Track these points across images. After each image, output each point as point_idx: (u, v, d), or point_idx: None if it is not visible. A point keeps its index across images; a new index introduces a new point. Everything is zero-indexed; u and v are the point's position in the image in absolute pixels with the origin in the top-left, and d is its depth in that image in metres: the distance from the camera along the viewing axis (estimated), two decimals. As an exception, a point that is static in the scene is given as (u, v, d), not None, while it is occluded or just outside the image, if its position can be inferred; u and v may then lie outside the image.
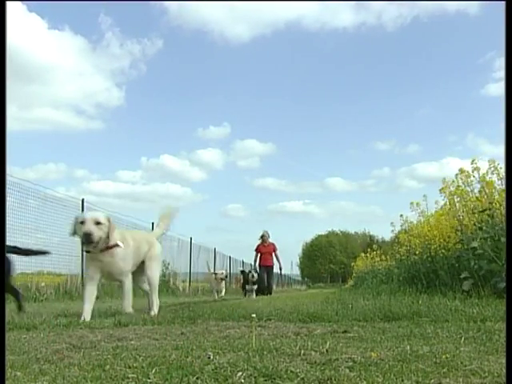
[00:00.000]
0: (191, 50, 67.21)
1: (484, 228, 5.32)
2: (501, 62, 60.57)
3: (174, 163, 79.43)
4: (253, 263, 12.89)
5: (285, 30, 65.45)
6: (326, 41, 67.25)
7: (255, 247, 12.61)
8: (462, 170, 5.92)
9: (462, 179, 5.93)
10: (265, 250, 12.39)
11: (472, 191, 5.88)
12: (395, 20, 73.21)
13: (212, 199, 72.74)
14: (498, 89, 62.12)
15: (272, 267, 12.43)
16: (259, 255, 12.46)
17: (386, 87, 77.73)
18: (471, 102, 71.05)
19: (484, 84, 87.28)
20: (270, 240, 12.69)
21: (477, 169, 5.63)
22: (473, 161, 5.66)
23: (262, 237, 12.50)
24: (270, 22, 78.45)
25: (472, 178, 5.81)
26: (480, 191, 5.70)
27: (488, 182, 5.47)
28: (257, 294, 10.97)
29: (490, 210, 5.33)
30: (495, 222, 5.23)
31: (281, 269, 12.89)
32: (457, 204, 6.26)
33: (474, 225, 5.67)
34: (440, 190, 6.32)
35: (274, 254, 12.47)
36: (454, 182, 6.11)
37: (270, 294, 12.00)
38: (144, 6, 62.36)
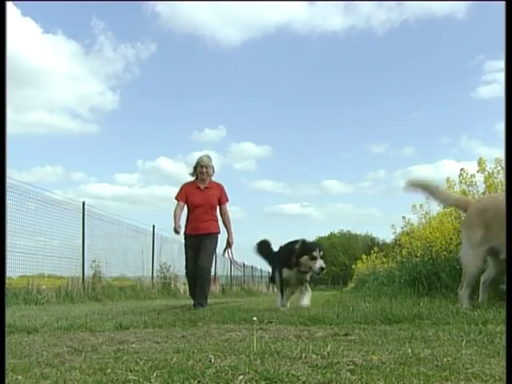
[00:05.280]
0: (184, 53, 67.90)
1: None
2: (490, 66, 61.25)
3: (171, 166, 79.66)
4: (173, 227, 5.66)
5: (275, 33, 66.15)
6: (316, 44, 67.96)
7: (178, 191, 5.81)
8: (463, 171, 5.89)
9: (464, 180, 5.90)
10: (200, 198, 5.69)
11: (477, 192, 5.85)
12: (384, 24, 73.64)
13: (210, 201, 72.76)
14: (488, 91, 62.85)
15: (214, 236, 5.70)
16: (187, 209, 5.78)
17: (378, 90, 78.28)
18: (463, 105, 71.65)
19: (474, 87, 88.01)
20: (215, 179, 5.91)
21: (482, 169, 5.59)
22: (480, 160, 5.62)
23: (197, 167, 5.78)
24: (261, 26, 79.81)
25: (476, 179, 5.79)
26: (484, 192, 5.67)
27: (490, 185, 5.43)
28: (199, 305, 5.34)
29: None
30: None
31: (230, 246, 5.82)
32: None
33: None
34: None
35: (219, 211, 5.79)
36: (461, 181, 6.06)
37: (204, 302, 5.47)
38: (136, 9, 62.93)
